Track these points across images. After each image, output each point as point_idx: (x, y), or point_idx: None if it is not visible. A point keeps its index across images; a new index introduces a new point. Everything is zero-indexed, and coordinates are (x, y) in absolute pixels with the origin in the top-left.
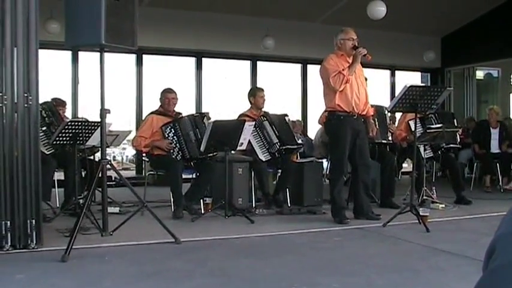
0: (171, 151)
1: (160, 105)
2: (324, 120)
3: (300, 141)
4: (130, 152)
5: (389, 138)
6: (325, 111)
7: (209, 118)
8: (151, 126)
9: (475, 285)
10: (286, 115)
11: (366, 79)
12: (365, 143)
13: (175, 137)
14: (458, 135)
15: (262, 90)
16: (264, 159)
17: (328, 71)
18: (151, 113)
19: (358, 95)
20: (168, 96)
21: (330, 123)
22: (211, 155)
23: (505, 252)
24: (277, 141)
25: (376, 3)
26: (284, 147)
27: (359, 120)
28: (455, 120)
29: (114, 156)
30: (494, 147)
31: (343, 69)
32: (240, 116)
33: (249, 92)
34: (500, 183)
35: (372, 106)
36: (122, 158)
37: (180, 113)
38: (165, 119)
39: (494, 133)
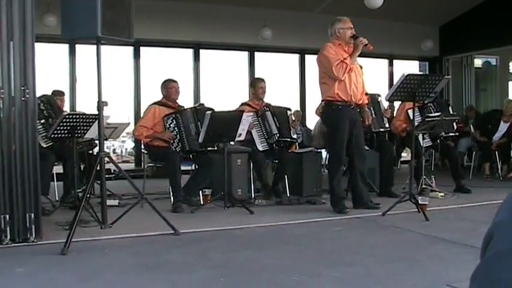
0: (171, 142)
1: (163, 97)
2: (321, 111)
3: (294, 136)
4: (130, 144)
5: (386, 125)
6: (322, 100)
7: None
8: (154, 117)
9: (472, 272)
10: (289, 109)
11: (361, 67)
12: (361, 132)
13: (176, 128)
14: (455, 124)
15: (263, 80)
16: (261, 149)
17: (330, 60)
18: (154, 103)
19: (356, 84)
20: (173, 85)
21: (327, 114)
22: (210, 148)
23: (502, 239)
24: (277, 132)
25: None
26: (283, 139)
27: (355, 110)
28: (450, 108)
29: (114, 149)
30: (496, 138)
31: (344, 58)
32: (242, 105)
33: (250, 83)
34: (500, 171)
35: (366, 95)
36: (122, 151)
37: (182, 106)
38: (167, 110)
39: (503, 127)
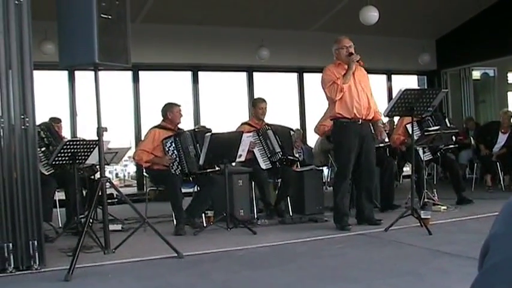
0: (170, 165)
1: (163, 120)
2: (321, 130)
3: (297, 155)
4: (132, 168)
5: (386, 140)
6: (331, 119)
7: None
8: (154, 140)
9: (471, 284)
10: (292, 130)
11: None
12: (371, 148)
13: (175, 150)
14: (454, 136)
15: (264, 101)
16: (264, 167)
17: (325, 82)
18: (154, 127)
19: (358, 101)
20: (179, 108)
21: (333, 131)
22: (210, 170)
23: (498, 251)
24: (280, 150)
25: (368, 8)
26: (285, 157)
27: (364, 126)
28: (447, 121)
29: (116, 174)
30: (496, 149)
31: (337, 79)
32: (242, 124)
33: (252, 102)
34: (502, 182)
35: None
36: (124, 175)
37: (181, 129)
38: (167, 133)
39: (502, 138)
